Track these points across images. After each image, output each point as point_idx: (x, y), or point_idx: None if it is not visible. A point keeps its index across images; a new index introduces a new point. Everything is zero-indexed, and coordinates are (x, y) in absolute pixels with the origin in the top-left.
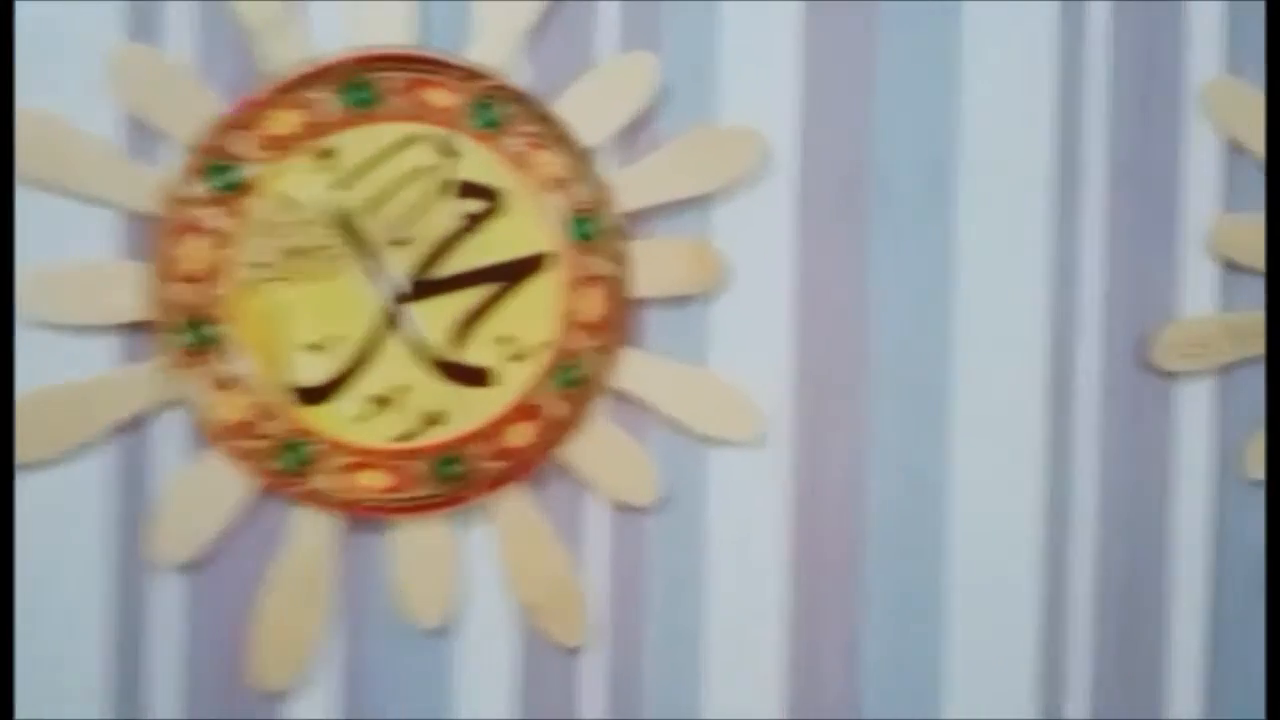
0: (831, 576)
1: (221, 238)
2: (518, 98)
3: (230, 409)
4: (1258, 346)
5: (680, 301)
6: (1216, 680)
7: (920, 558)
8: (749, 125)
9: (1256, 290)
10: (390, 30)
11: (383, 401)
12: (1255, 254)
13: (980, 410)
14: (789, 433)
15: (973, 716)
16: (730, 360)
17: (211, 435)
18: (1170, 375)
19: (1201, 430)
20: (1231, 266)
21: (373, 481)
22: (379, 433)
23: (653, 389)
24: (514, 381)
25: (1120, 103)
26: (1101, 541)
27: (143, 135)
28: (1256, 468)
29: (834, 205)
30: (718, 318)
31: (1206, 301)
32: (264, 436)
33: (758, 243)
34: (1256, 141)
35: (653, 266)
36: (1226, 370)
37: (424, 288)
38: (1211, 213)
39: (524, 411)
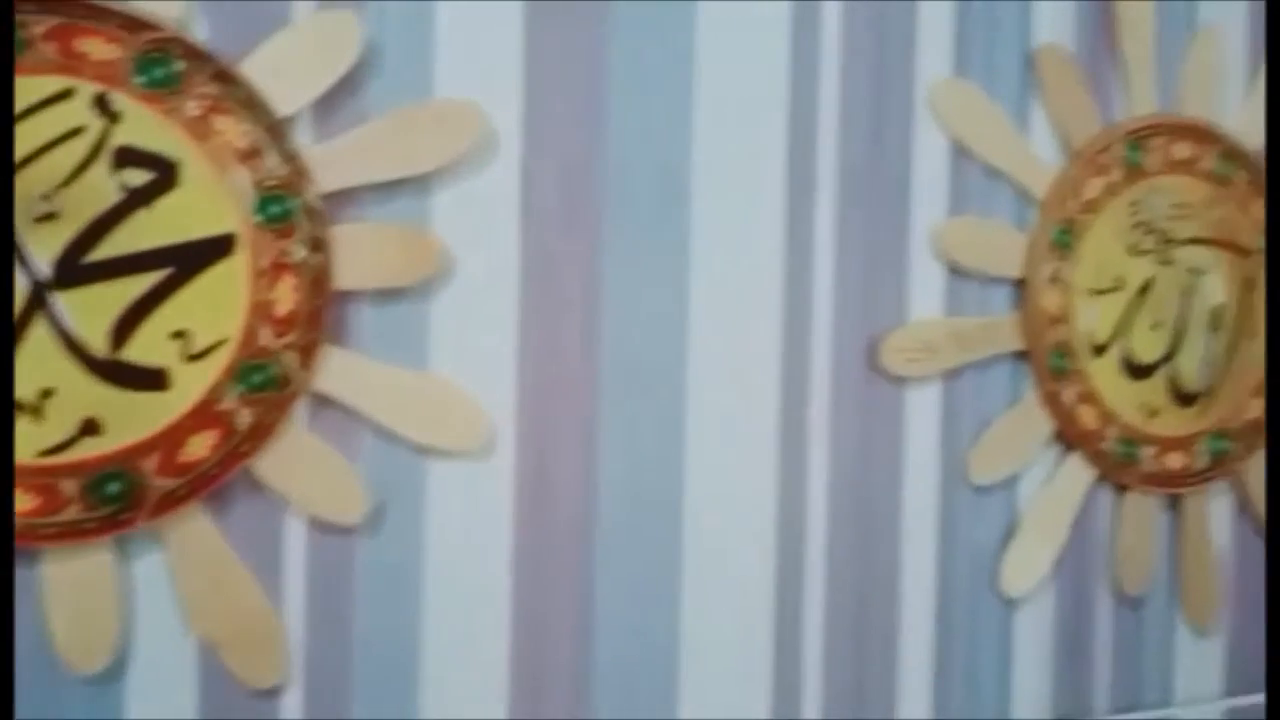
0: (561, 595)
1: None
2: (194, 54)
3: None
4: (981, 351)
5: (395, 295)
6: (943, 677)
7: (654, 570)
8: (468, 99)
9: (982, 295)
10: None
11: (27, 407)
12: (979, 257)
13: (714, 412)
14: (516, 439)
15: (711, 711)
16: (452, 360)
17: None
18: (899, 379)
19: (929, 433)
20: (956, 270)
21: (18, 504)
22: (23, 445)
23: (361, 393)
24: (192, 384)
25: (851, 106)
26: (833, 541)
27: None
28: (980, 474)
29: (563, 193)
30: (438, 313)
31: (934, 306)
32: None
33: (481, 231)
34: (981, 144)
35: (361, 255)
36: (953, 375)
37: (78, 272)
38: (938, 217)
39: (204, 419)
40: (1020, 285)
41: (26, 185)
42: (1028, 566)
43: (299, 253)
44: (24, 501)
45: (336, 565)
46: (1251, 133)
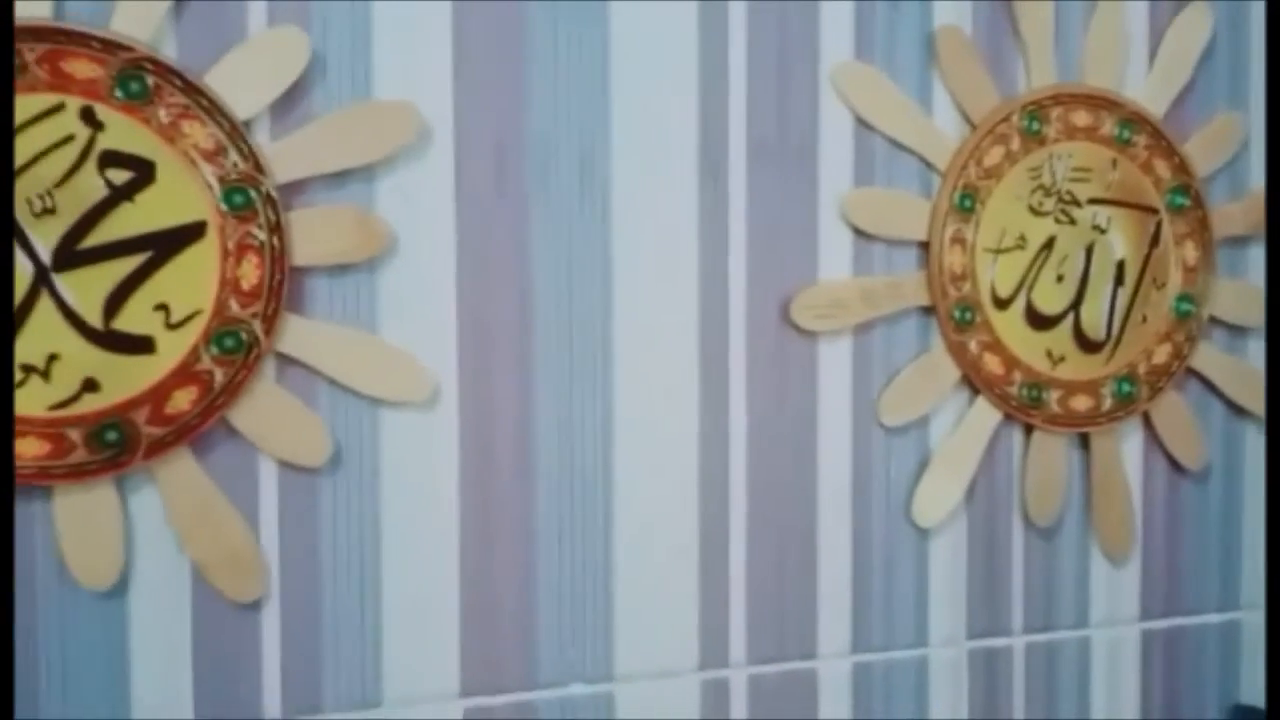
0: (504, 525)
1: None
2: (164, 70)
3: None
4: (888, 307)
5: (345, 269)
6: (861, 607)
7: (587, 506)
8: (403, 99)
9: (885, 256)
10: (25, 2)
11: (35, 370)
12: (884, 223)
13: (638, 369)
14: (458, 392)
15: (644, 653)
16: (398, 325)
17: None
18: (812, 334)
19: (842, 382)
20: (861, 234)
21: (29, 449)
22: (33, 401)
23: (319, 353)
24: (173, 349)
25: (758, 87)
26: (753, 483)
27: None
28: (889, 417)
29: (491, 176)
30: (384, 284)
31: (843, 267)
32: None
33: (419, 212)
34: (881, 120)
35: (314, 235)
36: (862, 329)
37: (73, 257)
38: (844, 186)
39: (185, 377)
40: (924, 247)
41: (26, 186)
42: (938, 499)
43: (260, 235)
44: (37, 447)
45: (304, 501)
46: (1154, 100)
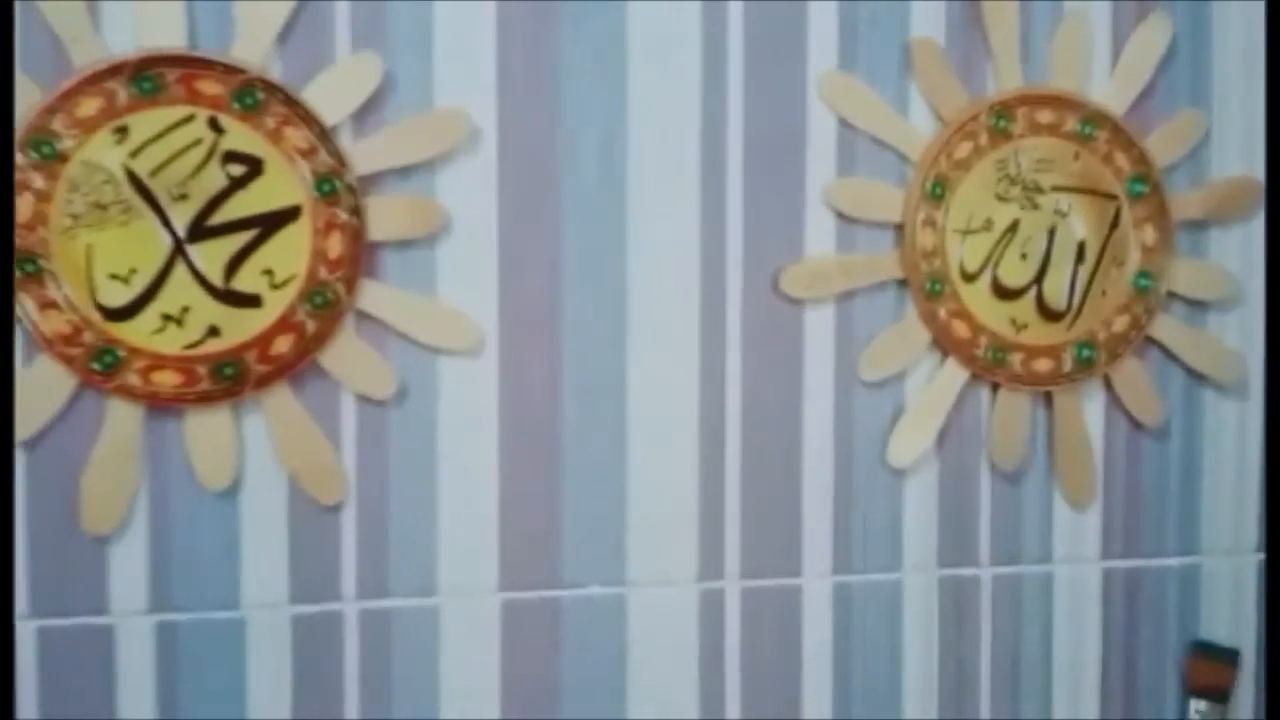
0: (535, 450)
1: (43, 195)
2: (271, 87)
3: (54, 324)
4: (866, 279)
5: (411, 244)
6: (842, 537)
7: (605, 449)
8: (457, 107)
9: (868, 236)
10: (166, 34)
11: (173, 319)
12: (861, 207)
13: (649, 328)
14: (498, 342)
15: (651, 563)
16: (453, 289)
17: (41, 344)
18: (799, 302)
19: (826, 344)
20: (843, 218)
21: (168, 380)
22: (171, 343)
23: (387, 310)
24: (276, 304)
25: (755, 92)
26: (747, 430)
27: None
28: (868, 372)
29: (527, 169)
30: (442, 257)
31: (826, 245)
32: (82, 345)
33: (470, 201)
34: (862, 121)
35: (385, 216)
36: (843, 298)
37: (202, 233)
38: (829, 176)
39: (284, 327)
40: (899, 229)
41: (166, 178)
42: (910, 444)
43: (343, 216)
44: (173, 378)
45: (375, 426)
46: (1116, 99)
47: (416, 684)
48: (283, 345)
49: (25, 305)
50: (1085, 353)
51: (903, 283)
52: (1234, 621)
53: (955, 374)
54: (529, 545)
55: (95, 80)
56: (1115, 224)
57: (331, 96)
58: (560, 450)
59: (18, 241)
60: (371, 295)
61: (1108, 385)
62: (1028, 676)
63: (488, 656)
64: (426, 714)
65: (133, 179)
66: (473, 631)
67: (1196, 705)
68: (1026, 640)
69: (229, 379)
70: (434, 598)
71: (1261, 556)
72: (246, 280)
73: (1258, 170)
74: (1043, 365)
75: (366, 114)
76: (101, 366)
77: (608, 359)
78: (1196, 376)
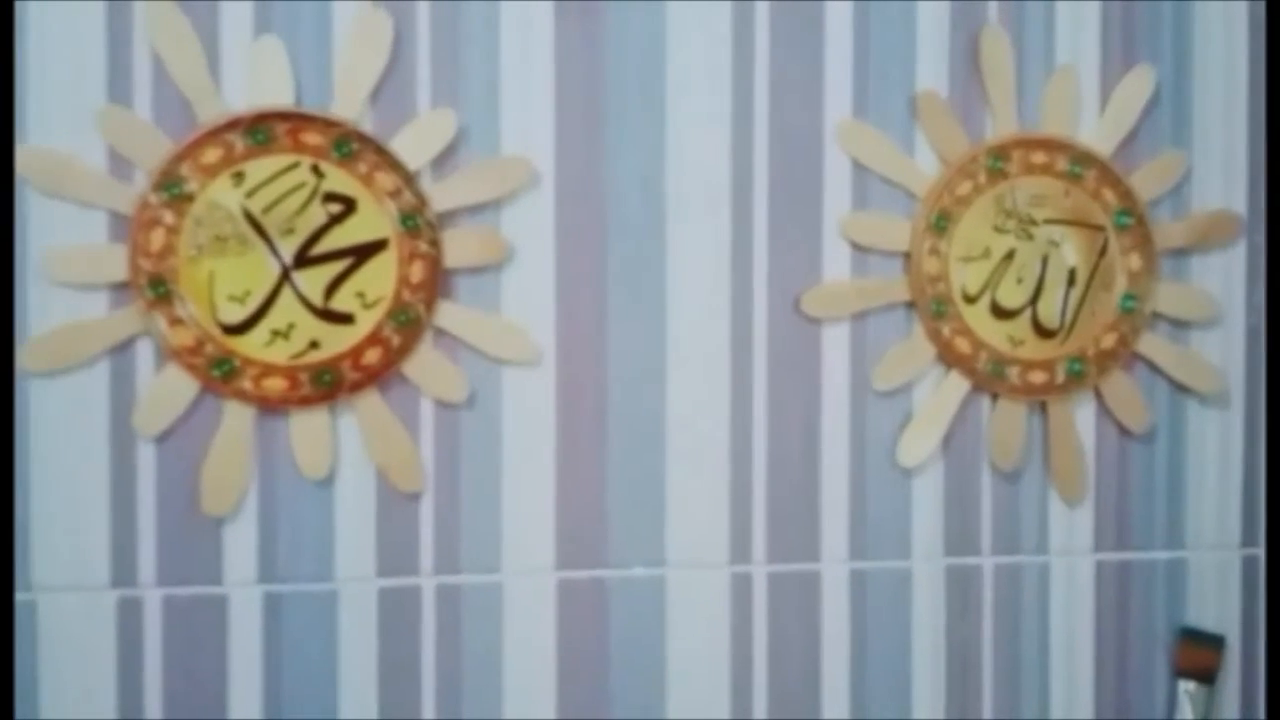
0: (586, 447)
1: (172, 229)
2: (364, 137)
3: (181, 338)
4: (877, 301)
5: (480, 270)
6: (857, 529)
7: (646, 451)
8: (520, 155)
9: (875, 264)
10: (276, 93)
11: (280, 334)
12: (875, 239)
13: (684, 345)
14: (556, 357)
15: (688, 547)
16: (515, 309)
17: (170, 354)
18: (818, 321)
19: (842, 358)
20: (857, 247)
21: (275, 385)
22: (279, 354)
23: (461, 327)
24: (366, 322)
25: (778, 137)
26: (772, 436)
27: (121, 164)
28: (880, 383)
29: (580, 207)
30: (506, 281)
31: (842, 271)
32: (204, 356)
33: (531, 233)
34: (875, 164)
35: (459, 247)
36: (858, 317)
37: (305, 261)
38: (844, 210)
39: (374, 341)
40: (907, 256)
41: (277, 216)
42: (918, 445)
43: (424, 247)
44: (281, 384)
45: (450, 426)
46: (1103, 141)
47: (483, 646)
48: (372, 356)
49: (157, 322)
50: (1076, 367)
51: (911, 304)
52: (1219, 609)
53: (958, 385)
54: (580, 530)
55: (216, 133)
56: (1103, 252)
57: (414, 145)
58: (607, 447)
59: (150, 268)
60: (447, 314)
61: (1098, 396)
62: (1027, 657)
63: (544, 625)
64: (492, 671)
65: (248, 216)
66: (531, 603)
67: (1185, 686)
68: (1025, 624)
69: (327, 385)
70: (498, 574)
71: (1244, 552)
72: (342, 301)
73: (1237, 203)
74: (1037, 377)
75: (444, 160)
76: (220, 374)
77: (649, 369)
78: (1181, 389)
